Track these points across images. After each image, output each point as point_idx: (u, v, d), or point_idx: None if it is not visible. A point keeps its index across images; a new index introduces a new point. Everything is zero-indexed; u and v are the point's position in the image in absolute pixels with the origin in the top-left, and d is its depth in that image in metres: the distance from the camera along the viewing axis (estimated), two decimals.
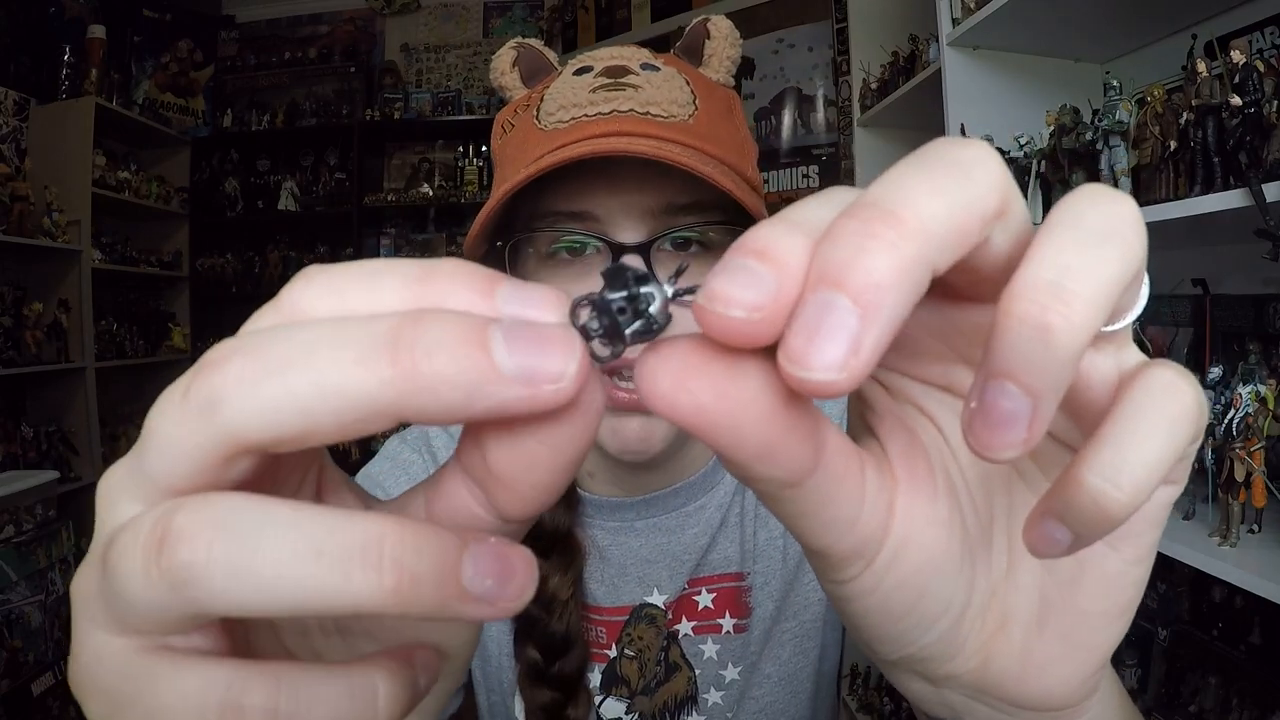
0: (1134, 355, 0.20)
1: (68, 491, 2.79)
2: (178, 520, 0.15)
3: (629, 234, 0.52)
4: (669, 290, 0.17)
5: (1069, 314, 0.15)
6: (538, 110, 0.54)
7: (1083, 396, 0.19)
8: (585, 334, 0.16)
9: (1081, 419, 0.20)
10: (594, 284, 0.46)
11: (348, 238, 3.81)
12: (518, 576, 0.15)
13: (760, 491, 0.18)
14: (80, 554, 2.72)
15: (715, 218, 0.53)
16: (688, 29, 0.61)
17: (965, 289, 0.18)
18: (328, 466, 0.21)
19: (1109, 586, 0.21)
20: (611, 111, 0.51)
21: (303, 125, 3.90)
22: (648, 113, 0.51)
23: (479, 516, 0.19)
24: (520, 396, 0.15)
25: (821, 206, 0.16)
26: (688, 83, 0.55)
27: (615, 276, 0.16)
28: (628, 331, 0.16)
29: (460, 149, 3.89)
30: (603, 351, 0.17)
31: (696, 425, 0.15)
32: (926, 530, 0.21)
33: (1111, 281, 0.16)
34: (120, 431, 3.36)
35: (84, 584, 0.17)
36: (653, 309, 0.16)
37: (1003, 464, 0.16)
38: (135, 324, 3.49)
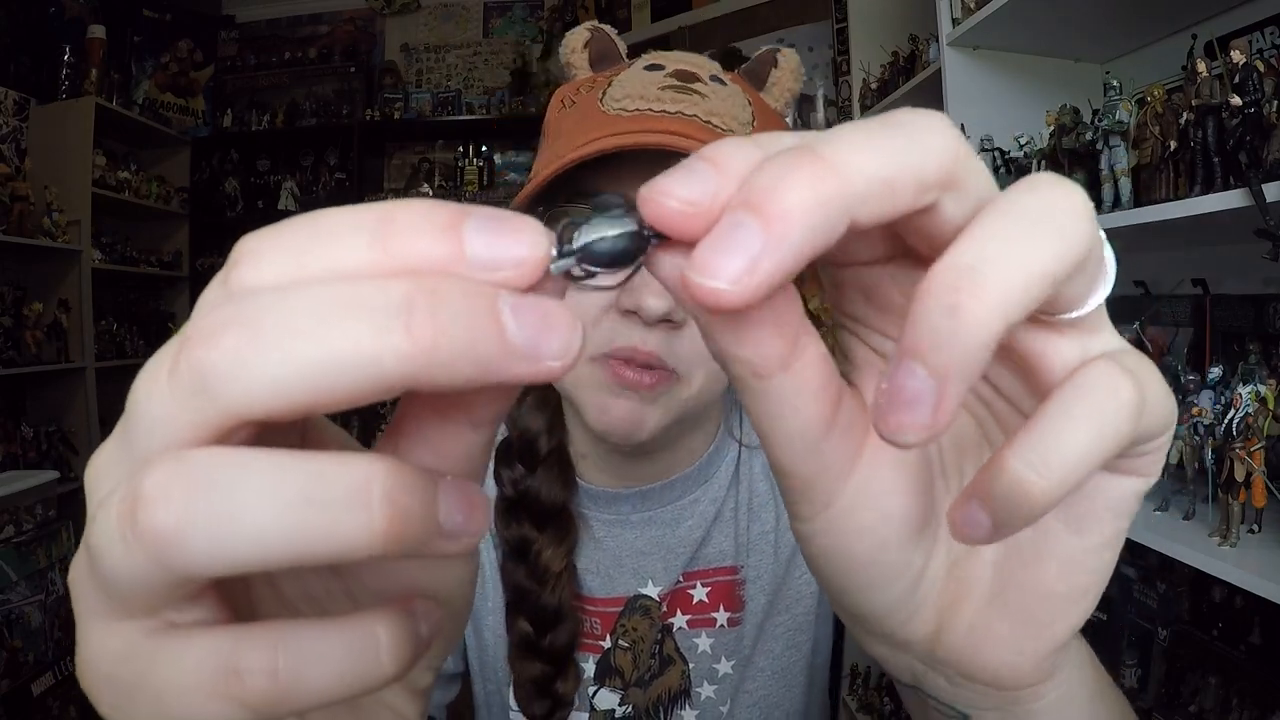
0: (1103, 343, 0.19)
1: (68, 491, 2.78)
2: (147, 484, 0.14)
3: None
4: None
5: (981, 298, 0.15)
6: (603, 94, 0.55)
7: (1045, 383, 0.19)
8: (573, 256, 0.16)
9: None
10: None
11: None
12: (478, 512, 0.16)
13: (732, 375, 0.19)
14: None
15: None
16: (756, 55, 0.64)
17: (931, 256, 0.18)
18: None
19: (1069, 569, 0.21)
20: (677, 112, 0.52)
21: (303, 125, 3.90)
22: (710, 121, 0.52)
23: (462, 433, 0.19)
24: (526, 372, 0.15)
25: (788, 139, 0.17)
26: (749, 103, 0.56)
27: (604, 206, 0.17)
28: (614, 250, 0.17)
29: (460, 149, 3.89)
30: (578, 274, 0.17)
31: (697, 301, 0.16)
32: (890, 486, 0.21)
33: (1038, 270, 0.16)
34: None
35: (77, 573, 0.16)
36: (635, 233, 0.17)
37: (907, 448, 0.16)
38: (135, 324, 3.49)
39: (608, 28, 0.63)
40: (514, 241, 0.15)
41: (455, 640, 0.22)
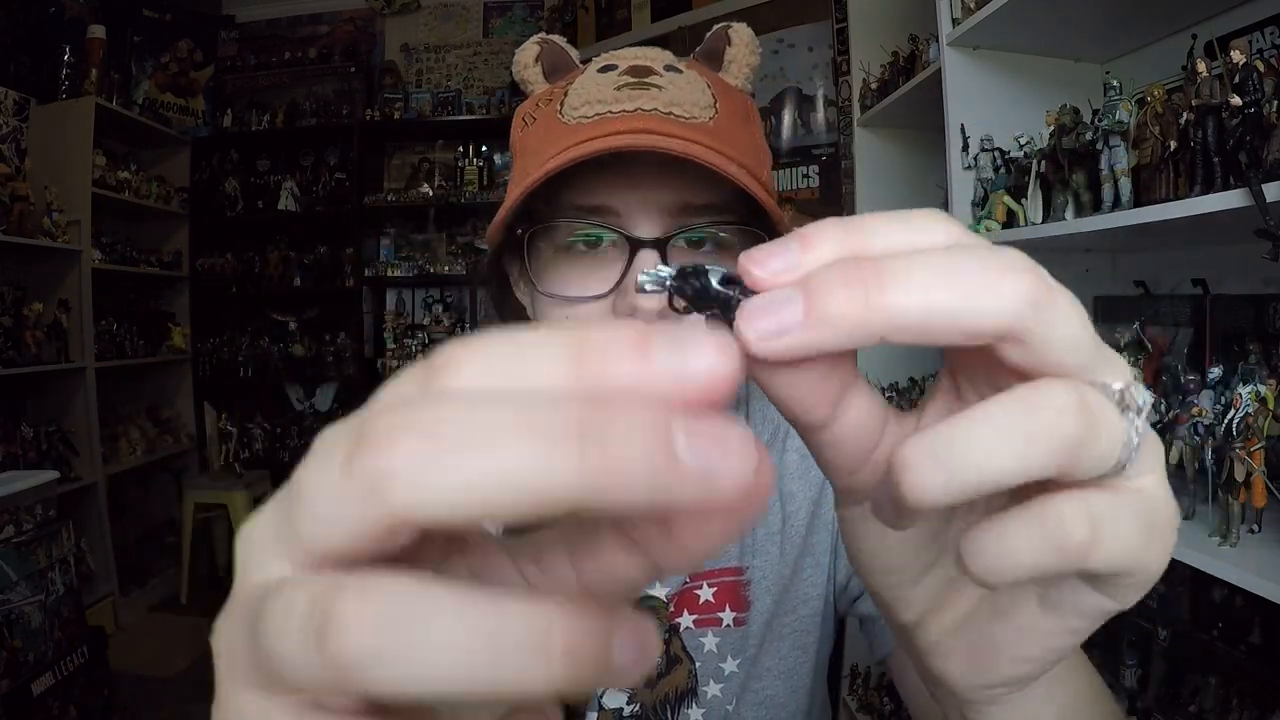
0: (1097, 372, 0.20)
1: (68, 491, 2.79)
2: (341, 607, 0.14)
3: (646, 229, 0.52)
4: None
5: (933, 489, 0.18)
6: (561, 104, 0.55)
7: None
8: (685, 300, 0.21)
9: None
10: (609, 275, 0.46)
11: (348, 238, 3.81)
12: (649, 652, 0.15)
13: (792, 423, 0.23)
14: (80, 554, 2.72)
15: (729, 218, 0.54)
16: (709, 34, 0.62)
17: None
18: None
19: (1025, 636, 0.23)
20: (636, 109, 0.52)
21: (303, 125, 3.90)
22: (670, 113, 0.52)
23: (633, 576, 0.19)
24: (698, 497, 0.14)
25: (885, 231, 0.20)
26: (709, 86, 0.56)
27: (696, 274, 0.21)
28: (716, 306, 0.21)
29: (460, 149, 3.89)
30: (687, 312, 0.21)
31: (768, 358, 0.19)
32: None
33: (1013, 469, 0.18)
34: (120, 431, 3.36)
35: (228, 641, 0.17)
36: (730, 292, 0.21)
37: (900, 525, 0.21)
38: (135, 324, 3.49)
39: (556, 37, 0.62)
40: (698, 354, 0.15)
41: None
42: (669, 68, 0.56)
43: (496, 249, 0.61)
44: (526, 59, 0.61)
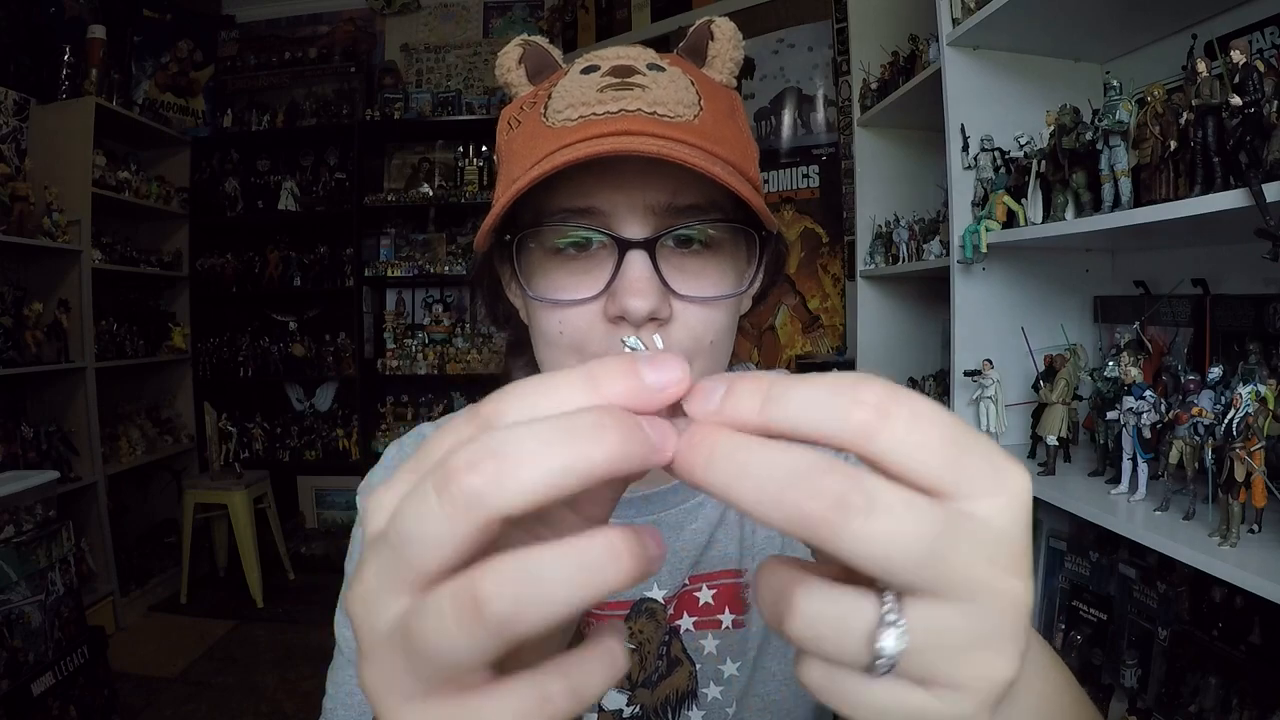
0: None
1: (68, 491, 2.79)
2: (481, 586, 0.20)
3: (634, 230, 0.52)
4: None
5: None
6: (545, 107, 0.54)
7: None
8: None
9: None
10: (600, 277, 0.48)
11: (348, 238, 3.81)
12: (662, 544, 0.23)
13: None
14: (80, 554, 2.72)
15: (717, 215, 0.54)
16: (691, 30, 0.62)
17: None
18: None
19: (854, 706, 0.23)
20: (620, 111, 0.51)
21: (303, 125, 3.90)
22: (655, 112, 0.52)
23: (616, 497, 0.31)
24: (658, 460, 0.23)
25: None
26: (692, 83, 0.56)
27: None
28: None
29: (460, 149, 3.89)
30: None
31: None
32: None
33: None
34: (120, 431, 3.36)
35: (374, 677, 0.23)
36: None
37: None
38: (135, 324, 3.49)
39: (539, 39, 0.61)
40: (666, 369, 0.24)
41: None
42: (652, 66, 0.55)
43: (486, 254, 0.61)
44: (509, 62, 0.60)
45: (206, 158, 3.91)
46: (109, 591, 3.00)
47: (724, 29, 0.60)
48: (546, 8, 3.93)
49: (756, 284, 0.59)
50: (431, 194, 3.81)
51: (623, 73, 0.54)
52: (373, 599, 0.22)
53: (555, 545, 0.21)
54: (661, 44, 3.01)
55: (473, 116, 3.82)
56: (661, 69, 0.55)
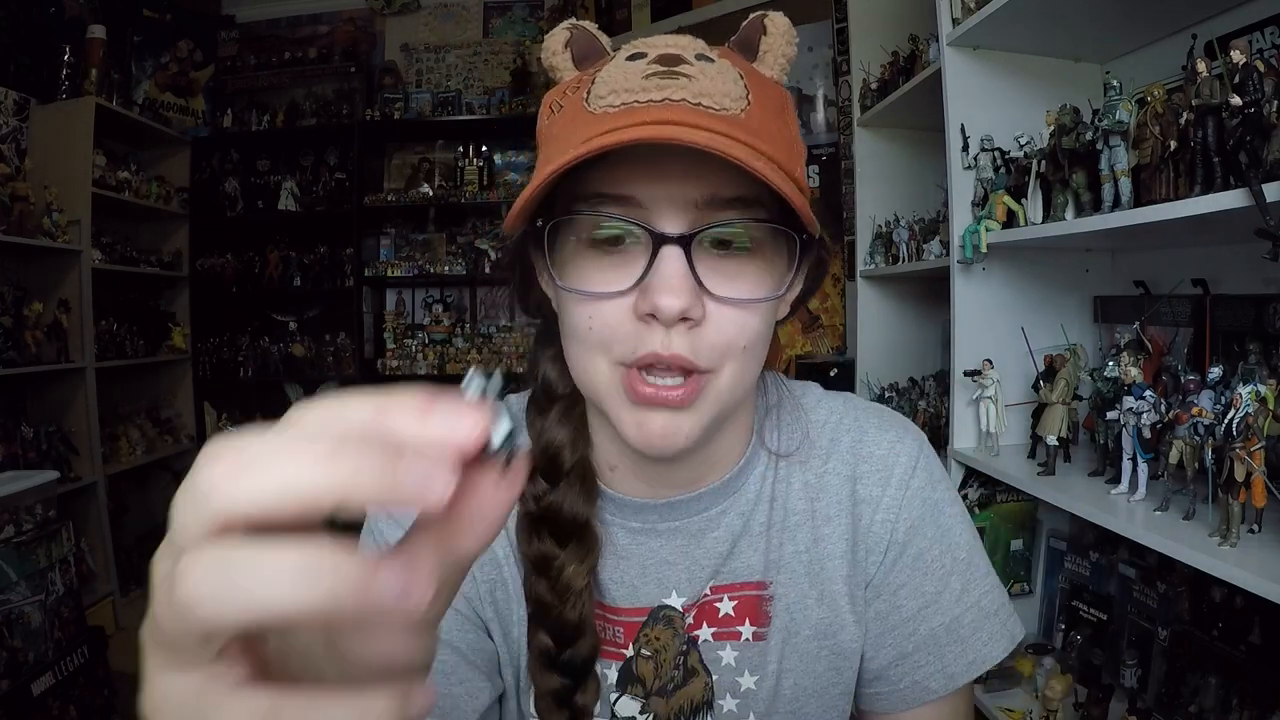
0: None
1: (68, 491, 2.79)
2: (178, 569, 0.21)
3: (671, 224, 0.51)
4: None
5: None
6: (588, 93, 0.53)
7: None
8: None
9: None
10: (632, 271, 0.50)
11: (348, 238, 3.81)
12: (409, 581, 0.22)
13: None
14: (80, 554, 2.72)
15: (758, 215, 0.52)
16: (744, 24, 0.60)
17: None
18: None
19: None
20: (664, 99, 0.50)
21: (303, 125, 3.90)
22: (700, 103, 0.50)
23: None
24: (408, 507, 0.23)
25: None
26: (741, 76, 0.54)
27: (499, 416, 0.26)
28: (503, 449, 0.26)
29: (460, 149, 3.89)
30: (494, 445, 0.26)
31: None
32: None
33: None
34: (120, 431, 3.36)
35: (145, 635, 0.23)
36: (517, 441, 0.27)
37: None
38: (135, 324, 3.49)
39: (588, 24, 0.60)
40: (457, 422, 0.24)
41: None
42: (700, 56, 0.54)
43: (519, 240, 0.59)
44: (556, 45, 0.59)
45: (206, 158, 3.91)
46: (109, 591, 3.00)
47: (777, 24, 0.59)
48: (546, 8, 3.93)
49: (796, 288, 0.58)
50: (431, 194, 3.80)
51: (670, 61, 0.52)
52: (157, 559, 0.23)
53: (266, 545, 0.21)
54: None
55: (473, 116, 3.81)
56: (710, 60, 0.54)
